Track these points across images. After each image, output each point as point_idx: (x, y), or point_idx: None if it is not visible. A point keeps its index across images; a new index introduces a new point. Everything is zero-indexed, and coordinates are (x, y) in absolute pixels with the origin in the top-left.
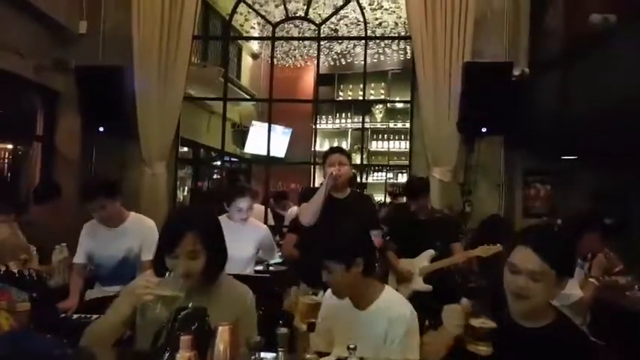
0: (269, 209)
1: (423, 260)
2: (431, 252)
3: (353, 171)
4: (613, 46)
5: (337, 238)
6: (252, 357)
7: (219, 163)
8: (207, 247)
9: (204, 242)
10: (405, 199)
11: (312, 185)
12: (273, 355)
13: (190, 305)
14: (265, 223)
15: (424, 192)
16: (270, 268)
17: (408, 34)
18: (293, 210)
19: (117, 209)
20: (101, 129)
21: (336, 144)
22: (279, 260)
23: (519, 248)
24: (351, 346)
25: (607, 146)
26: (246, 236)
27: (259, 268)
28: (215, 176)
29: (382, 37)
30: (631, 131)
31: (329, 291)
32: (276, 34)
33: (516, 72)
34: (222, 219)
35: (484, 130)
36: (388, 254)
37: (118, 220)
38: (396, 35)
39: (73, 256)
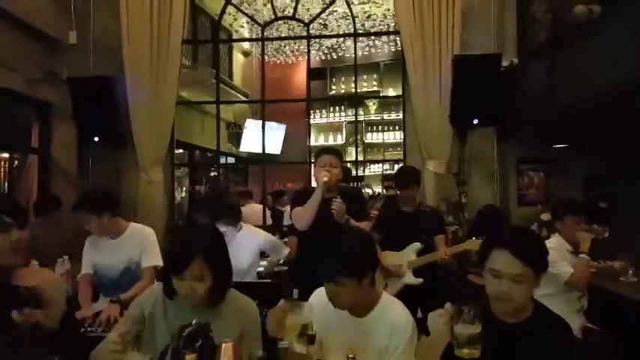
0: (267, 208)
1: (410, 253)
2: (417, 245)
3: (348, 167)
4: (597, 37)
5: (349, 253)
6: None
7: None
8: (214, 270)
9: (211, 266)
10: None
11: (305, 186)
12: None
13: (194, 322)
14: (264, 222)
15: (413, 182)
16: (274, 269)
17: (397, 27)
18: (287, 209)
19: (104, 224)
20: (96, 138)
21: (331, 138)
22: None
23: (498, 252)
24: (350, 356)
25: (596, 133)
26: (242, 246)
27: (261, 269)
28: (212, 174)
29: (371, 33)
30: (615, 119)
31: (315, 295)
32: (265, 33)
33: (505, 62)
34: None
35: (476, 121)
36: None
37: (116, 231)
38: (386, 28)
39: (76, 269)
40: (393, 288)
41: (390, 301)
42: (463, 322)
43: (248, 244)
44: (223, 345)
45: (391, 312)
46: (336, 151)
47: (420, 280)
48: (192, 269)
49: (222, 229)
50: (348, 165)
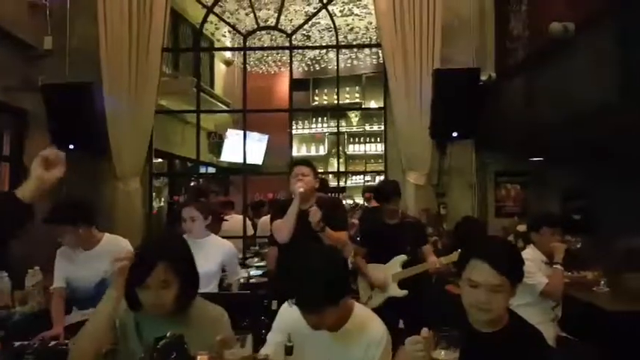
0: (247, 218)
1: (395, 265)
2: (402, 257)
3: (323, 178)
4: (572, 54)
5: (326, 284)
6: None
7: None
8: (179, 275)
9: (175, 271)
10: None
11: (285, 197)
12: None
13: (169, 334)
14: (244, 233)
15: (394, 195)
16: (252, 280)
17: (379, 40)
18: (264, 219)
19: (80, 235)
20: (71, 146)
21: (313, 149)
22: (259, 272)
23: (476, 262)
24: None
25: (572, 147)
26: (208, 252)
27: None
28: (192, 184)
29: (353, 45)
30: (590, 134)
31: (286, 308)
32: (248, 42)
33: (484, 77)
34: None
35: (455, 134)
36: (357, 259)
37: (90, 243)
38: (368, 40)
39: (47, 280)
40: (378, 300)
41: (363, 313)
42: (441, 347)
43: (215, 251)
44: (198, 357)
45: (365, 325)
46: (307, 162)
47: (405, 292)
48: (156, 276)
49: (194, 213)
50: (330, 176)
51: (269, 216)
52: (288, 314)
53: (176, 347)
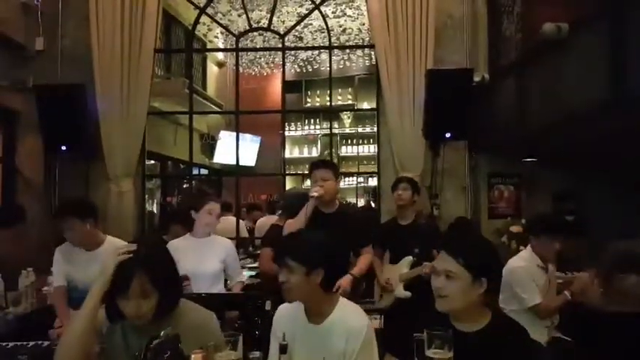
0: (241, 220)
1: (403, 266)
2: (409, 258)
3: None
4: (565, 54)
5: (304, 241)
6: None
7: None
8: (158, 285)
9: (153, 282)
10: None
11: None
12: None
13: (162, 333)
14: (237, 234)
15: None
16: (245, 281)
17: (371, 41)
18: (262, 221)
19: (87, 232)
20: (63, 148)
21: (305, 150)
22: (252, 273)
23: (442, 253)
24: None
25: (564, 148)
26: (212, 251)
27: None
28: (185, 185)
29: (346, 47)
30: (583, 135)
31: (281, 308)
32: (240, 44)
33: (477, 78)
34: (185, 238)
35: (448, 135)
36: (373, 261)
37: (93, 243)
38: (361, 42)
39: (40, 281)
40: (387, 300)
41: (346, 306)
42: (436, 347)
43: (217, 250)
44: (192, 356)
45: (346, 317)
46: (327, 163)
47: (408, 293)
48: (135, 287)
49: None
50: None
51: (265, 218)
52: (280, 315)
53: (170, 346)
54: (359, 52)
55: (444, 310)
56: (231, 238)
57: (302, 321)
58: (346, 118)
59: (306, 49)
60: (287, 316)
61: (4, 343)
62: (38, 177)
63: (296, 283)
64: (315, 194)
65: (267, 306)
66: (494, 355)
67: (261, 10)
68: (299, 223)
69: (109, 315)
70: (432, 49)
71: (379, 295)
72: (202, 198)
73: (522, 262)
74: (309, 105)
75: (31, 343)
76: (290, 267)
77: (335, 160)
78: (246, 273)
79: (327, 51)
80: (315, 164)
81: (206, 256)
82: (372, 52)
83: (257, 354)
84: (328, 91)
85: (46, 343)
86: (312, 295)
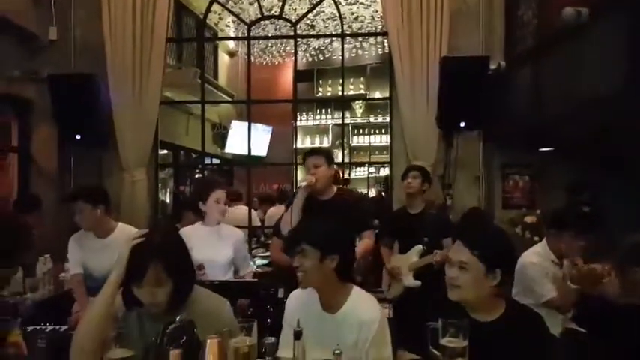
0: (253, 210)
1: (412, 255)
2: (419, 247)
3: (336, 169)
4: (584, 41)
5: (320, 226)
6: None
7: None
8: (172, 274)
9: (168, 271)
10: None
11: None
12: None
13: (178, 318)
14: (249, 224)
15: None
16: (257, 269)
17: (384, 28)
18: (272, 211)
19: (97, 218)
20: (78, 137)
21: (317, 141)
22: (264, 262)
23: (457, 243)
24: (337, 351)
25: (581, 138)
26: (224, 239)
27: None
28: (197, 175)
29: (359, 34)
30: (601, 124)
31: (293, 296)
32: (252, 32)
33: (493, 66)
34: (196, 227)
35: (462, 124)
36: (382, 250)
37: (105, 230)
38: (373, 30)
39: (57, 268)
40: (397, 289)
41: (359, 295)
42: (450, 335)
43: (229, 238)
44: (208, 341)
45: (360, 307)
46: (319, 151)
47: (418, 282)
48: (150, 275)
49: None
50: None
51: (275, 208)
52: (292, 301)
53: (186, 331)
54: (371, 40)
55: (457, 299)
56: (242, 227)
57: (316, 309)
58: (358, 107)
59: (319, 36)
60: (299, 302)
61: (23, 328)
62: (53, 166)
63: (310, 268)
64: (304, 184)
65: (280, 293)
66: (510, 344)
67: None
68: (293, 215)
69: (126, 301)
70: (447, 36)
71: (388, 285)
72: (207, 188)
73: (535, 258)
74: (320, 94)
75: (50, 328)
76: (304, 251)
77: (346, 151)
78: (259, 261)
79: (339, 39)
80: (307, 152)
81: (218, 245)
82: (385, 40)
83: (272, 339)
84: (340, 81)
85: (64, 327)
86: (326, 281)
